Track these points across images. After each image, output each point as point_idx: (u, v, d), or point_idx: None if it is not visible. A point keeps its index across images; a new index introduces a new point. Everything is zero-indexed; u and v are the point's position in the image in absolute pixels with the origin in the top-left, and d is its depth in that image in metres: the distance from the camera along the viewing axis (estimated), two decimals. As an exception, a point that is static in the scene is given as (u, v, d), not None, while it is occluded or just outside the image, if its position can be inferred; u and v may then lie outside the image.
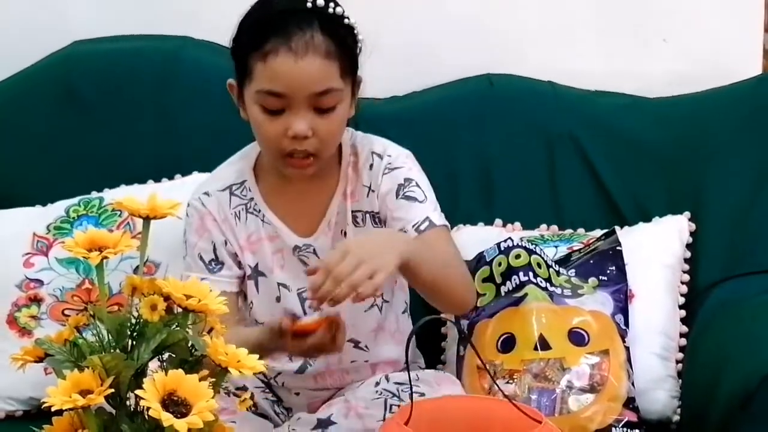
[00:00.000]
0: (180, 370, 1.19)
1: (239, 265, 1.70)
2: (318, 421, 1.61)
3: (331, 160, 1.68)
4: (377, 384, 1.67)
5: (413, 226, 1.63)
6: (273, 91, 1.56)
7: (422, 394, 1.59)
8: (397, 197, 1.65)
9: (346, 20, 1.60)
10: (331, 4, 1.59)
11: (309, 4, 1.57)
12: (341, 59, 1.58)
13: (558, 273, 1.84)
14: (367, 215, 1.68)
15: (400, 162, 1.67)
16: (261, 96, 1.57)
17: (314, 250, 1.68)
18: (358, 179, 1.68)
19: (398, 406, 1.59)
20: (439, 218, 1.65)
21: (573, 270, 1.85)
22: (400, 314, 1.76)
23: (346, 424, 1.59)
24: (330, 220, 1.68)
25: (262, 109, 1.58)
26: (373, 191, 1.66)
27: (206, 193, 1.70)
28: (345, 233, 1.68)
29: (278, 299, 1.70)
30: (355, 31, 1.61)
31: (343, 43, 1.59)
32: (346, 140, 1.69)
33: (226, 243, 1.69)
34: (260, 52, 1.55)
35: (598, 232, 1.94)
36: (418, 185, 1.66)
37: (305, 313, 1.68)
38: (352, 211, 1.67)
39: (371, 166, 1.67)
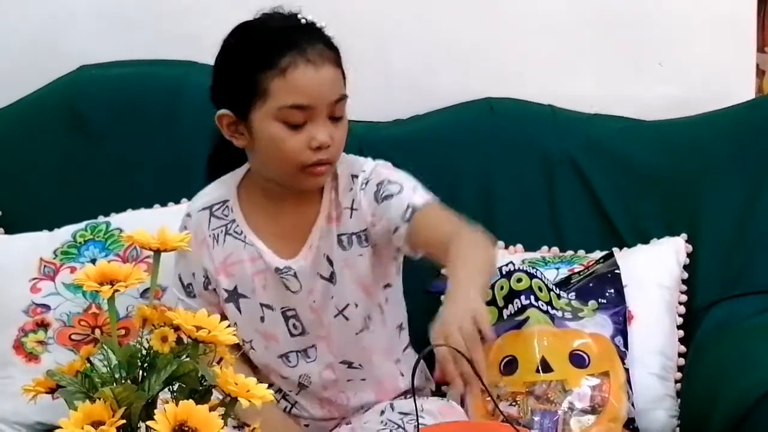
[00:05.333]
0: (190, 401, 1.21)
1: (214, 291, 1.72)
2: None
3: None
4: (382, 413, 1.71)
5: (402, 219, 1.64)
6: (298, 104, 1.59)
7: (426, 425, 1.60)
8: (378, 203, 1.67)
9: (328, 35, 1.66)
10: (316, 20, 1.65)
11: (303, 21, 1.63)
12: (342, 68, 1.64)
13: (558, 296, 1.86)
14: (353, 236, 1.69)
15: (372, 173, 1.69)
16: (284, 112, 1.59)
17: (295, 273, 1.69)
18: (340, 203, 1.70)
19: None
20: (420, 198, 1.66)
21: (573, 293, 1.88)
22: (393, 331, 1.77)
23: None
24: (312, 244, 1.69)
25: (284, 125, 1.60)
26: (355, 210, 1.69)
27: (188, 215, 1.73)
28: (328, 257, 1.69)
29: (262, 319, 1.72)
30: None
31: (338, 54, 1.65)
32: None
33: (196, 273, 1.71)
34: (277, 69, 1.58)
35: (597, 254, 1.97)
36: (389, 182, 1.68)
37: (290, 333, 1.71)
38: (338, 235, 1.69)
39: (351, 189, 1.69)
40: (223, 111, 1.65)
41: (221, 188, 1.74)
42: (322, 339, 1.72)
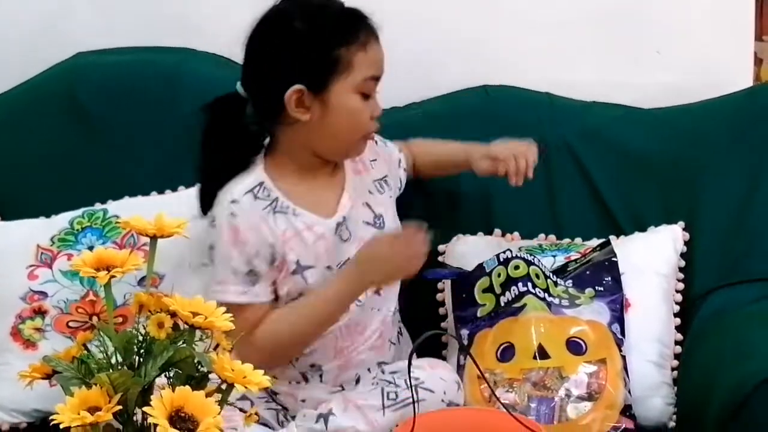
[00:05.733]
0: (187, 387, 1.21)
1: (278, 267, 1.73)
2: (319, 415, 1.70)
3: None
4: (373, 378, 1.76)
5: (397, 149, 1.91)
6: (376, 75, 1.72)
7: (417, 378, 1.68)
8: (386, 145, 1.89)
9: None
10: None
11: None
12: None
13: (556, 284, 1.86)
14: (382, 181, 1.84)
15: None
16: (365, 83, 1.71)
17: (346, 224, 1.76)
18: (360, 157, 1.81)
19: (395, 392, 1.69)
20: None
21: (570, 280, 1.88)
22: None
23: (345, 416, 1.68)
24: (350, 193, 1.78)
25: (361, 96, 1.71)
26: (374, 160, 1.84)
27: (234, 201, 1.72)
28: (367, 204, 1.79)
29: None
30: None
31: None
32: None
33: (261, 251, 1.71)
34: (358, 43, 1.69)
35: (594, 242, 1.96)
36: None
37: None
38: (373, 181, 1.82)
39: None
40: (297, 87, 1.68)
41: (249, 176, 1.75)
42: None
